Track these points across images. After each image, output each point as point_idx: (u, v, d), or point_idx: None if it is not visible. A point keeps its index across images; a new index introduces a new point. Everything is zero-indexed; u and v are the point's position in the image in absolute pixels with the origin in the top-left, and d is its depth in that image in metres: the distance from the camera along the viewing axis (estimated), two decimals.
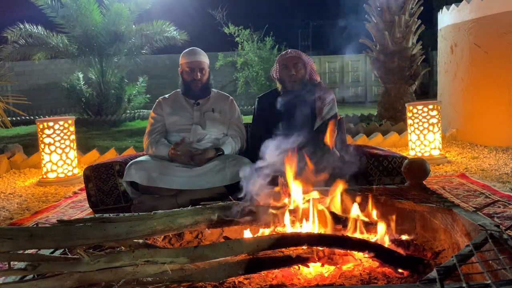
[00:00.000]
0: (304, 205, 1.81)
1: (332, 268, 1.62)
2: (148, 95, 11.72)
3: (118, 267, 1.35)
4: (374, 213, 1.83)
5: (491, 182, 3.43)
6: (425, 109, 4.54)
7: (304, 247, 1.58)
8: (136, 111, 11.33)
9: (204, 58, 2.93)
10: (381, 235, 1.74)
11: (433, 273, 1.15)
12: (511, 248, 1.26)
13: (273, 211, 1.76)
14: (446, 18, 6.02)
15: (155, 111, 2.98)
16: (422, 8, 7.00)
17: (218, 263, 1.48)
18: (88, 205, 2.96)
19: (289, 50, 2.88)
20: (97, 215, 1.53)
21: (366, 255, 1.60)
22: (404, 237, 1.81)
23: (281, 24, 16.97)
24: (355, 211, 1.81)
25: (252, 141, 3.01)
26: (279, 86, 2.92)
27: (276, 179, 1.89)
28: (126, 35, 10.40)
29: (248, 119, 3.42)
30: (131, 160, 2.74)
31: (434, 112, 4.53)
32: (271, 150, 2.17)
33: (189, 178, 2.60)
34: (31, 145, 6.04)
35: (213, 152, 2.75)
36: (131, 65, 11.29)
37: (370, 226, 1.77)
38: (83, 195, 3.59)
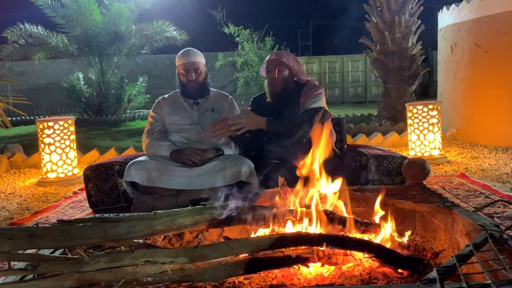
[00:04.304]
0: (304, 205, 1.81)
1: (332, 268, 1.62)
2: (148, 95, 11.73)
3: (118, 267, 1.35)
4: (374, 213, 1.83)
5: (491, 182, 3.43)
6: (425, 109, 4.54)
7: (304, 247, 1.58)
8: (136, 111, 11.34)
9: (199, 58, 2.91)
10: (382, 235, 1.74)
11: (433, 273, 1.15)
12: (511, 248, 1.26)
13: (273, 211, 1.76)
14: (446, 18, 6.03)
15: (154, 110, 2.98)
16: (422, 8, 7.00)
17: (218, 263, 1.48)
18: (88, 205, 2.96)
19: (273, 52, 2.85)
20: (97, 215, 1.53)
21: (366, 255, 1.60)
22: (405, 237, 1.81)
23: (281, 24, 16.97)
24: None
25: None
26: (266, 88, 2.89)
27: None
28: (126, 35, 10.41)
29: None
30: (131, 160, 2.74)
31: (434, 112, 4.53)
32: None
33: (189, 178, 2.60)
34: (31, 145, 6.04)
35: (213, 152, 2.75)
36: (131, 65, 11.30)
37: (370, 226, 1.77)
38: (83, 195, 3.59)
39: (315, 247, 1.59)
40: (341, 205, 1.83)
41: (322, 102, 2.71)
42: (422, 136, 4.54)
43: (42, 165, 4.32)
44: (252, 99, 3.06)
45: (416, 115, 4.58)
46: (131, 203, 2.72)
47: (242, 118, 2.59)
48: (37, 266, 1.26)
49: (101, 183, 2.84)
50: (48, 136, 4.25)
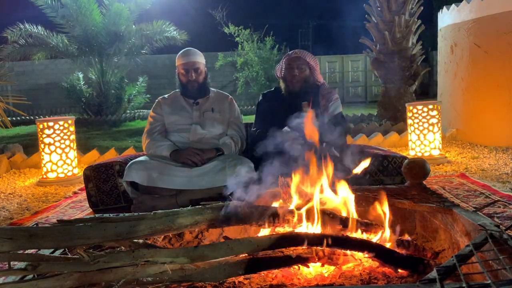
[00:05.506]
0: (304, 205, 1.81)
1: (332, 268, 1.62)
2: (148, 95, 11.73)
3: (118, 267, 1.35)
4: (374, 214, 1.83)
5: (491, 182, 3.43)
6: (425, 109, 4.54)
7: (304, 247, 1.58)
8: (136, 111, 11.34)
9: (199, 58, 2.91)
10: (382, 235, 1.74)
11: (433, 273, 1.15)
12: (511, 248, 1.26)
13: (273, 211, 1.76)
14: (446, 18, 6.03)
15: (154, 110, 2.98)
16: (422, 8, 7.00)
17: (218, 263, 1.48)
18: (88, 205, 2.96)
19: (296, 50, 2.86)
20: (97, 215, 1.53)
21: (366, 255, 1.60)
22: (405, 237, 1.81)
23: (281, 24, 16.96)
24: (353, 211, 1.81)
25: (255, 136, 2.93)
26: (282, 85, 2.91)
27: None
28: (126, 35, 10.41)
29: (248, 119, 3.43)
30: (131, 160, 2.74)
31: (434, 112, 4.53)
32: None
33: (189, 178, 2.60)
34: (31, 145, 6.04)
35: (213, 152, 2.75)
36: (131, 65, 11.30)
37: (370, 226, 1.77)
38: (83, 195, 3.59)
39: (315, 247, 1.59)
40: (341, 205, 1.83)
41: (340, 107, 2.90)
42: (422, 136, 4.54)
43: (42, 165, 4.32)
44: (262, 94, 3.06)
45: (416, 115, 4.58)
46: (131, 203, 2.72)
47: None
48: (37, 266, 1.26)
49: (101, 183, 2.84)
50: (48, 136, 4.25)
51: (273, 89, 3.09)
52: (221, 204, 1.70)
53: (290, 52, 2.89)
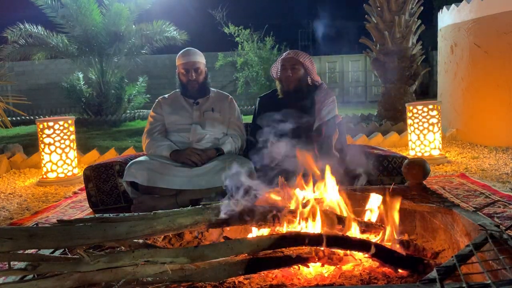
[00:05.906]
0: (304, 205, 1.81)
1: (332, 268, 1.62)
2: (148, 95, 11.74)
3: (118, 267, 1.35)
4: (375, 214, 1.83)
5: (491, 182, 3.43)
6: (425, 109, 4.54)
7: (304, 247, 1.58)
8: (136, 111, 11.34)
9: (199, 58, 2.91)
10: (383, 235, 1.74)
11: (433, 273, 1.15)
12: (511, 248, 1.26)
13: (273, 211, 1.76)
14: (446, 18, 6.03)
15: (154, 110, 2.98)
16: (422, 8, 7.00)
17: (218, 263, 1.48)
18: (88, 205, 2.96)
19: (290, 51, 2.87)
20: (97, 215, 1.53)
21: (366, 255, 1.60)
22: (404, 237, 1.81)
23: (281, 24, 16.98)
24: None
25: (251, 140, 2.97)
26: (278, 85, 2.92)
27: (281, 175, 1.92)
28: (126, 35, 10.40)
29: (248, 119, 3.43)
30: (131, 160, 2.74)
31: (434, 112, 4.53)
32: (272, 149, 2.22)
33: (189, 178, 2.60)
34: (31, 145, 6.04)
35: (213, 152, 2.75)
36: (131, 65, 11.29)
37: (370, 226, 1.77)
38: (83, 195, 3.59)
39: (315, 247, 1.59)
40: (340, 205, 1.83)
41: (336, 110, 2.84)
42: (422, 136, 4.54)
43: (42, 165, 4.32)
44: (259, 98, 3.06)
45: (416, 115, 4.58)
46: (131, 203, 2.72)
47: None
48: (37, 266, 1.26)
49: (101, 183, 2.84)
50: (48, 136, 4.25)
51: (270, 91, 3.10)
52: (220, 204, 1.70)
53: (285, 53, 2.90)
